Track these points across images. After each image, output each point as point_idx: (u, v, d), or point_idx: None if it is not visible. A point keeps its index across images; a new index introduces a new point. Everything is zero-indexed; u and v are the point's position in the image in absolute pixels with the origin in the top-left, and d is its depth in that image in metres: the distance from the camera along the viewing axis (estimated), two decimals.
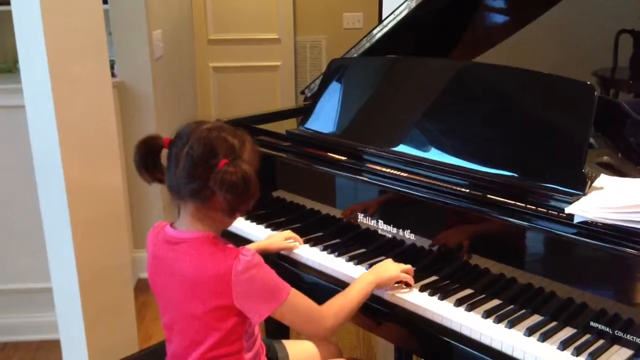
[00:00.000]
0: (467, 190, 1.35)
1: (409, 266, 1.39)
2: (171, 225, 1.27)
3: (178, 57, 3.53)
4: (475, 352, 1.20)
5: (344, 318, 1.30)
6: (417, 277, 1.40)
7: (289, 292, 1.23)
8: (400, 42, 1.95)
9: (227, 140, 1.19)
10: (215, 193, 1.14)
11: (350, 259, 1.50)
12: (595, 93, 1.29)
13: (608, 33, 1.95)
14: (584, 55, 1.98)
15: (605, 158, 1.47)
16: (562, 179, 1.25)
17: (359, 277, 1.37)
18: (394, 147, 1.53)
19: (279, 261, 1.57)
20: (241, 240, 1.68)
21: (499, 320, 1.24)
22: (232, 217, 1.25)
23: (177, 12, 3.52)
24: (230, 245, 1.23)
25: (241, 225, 1.73)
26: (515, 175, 1.33)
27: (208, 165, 1.15)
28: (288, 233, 1.61)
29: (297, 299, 1.25)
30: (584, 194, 1.22)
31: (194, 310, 1.21)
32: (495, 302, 1.30)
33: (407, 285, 1.37)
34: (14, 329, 2.56)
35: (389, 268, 1.37)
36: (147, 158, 1.23)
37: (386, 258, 1.49)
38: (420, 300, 1.32)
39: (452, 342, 1.23)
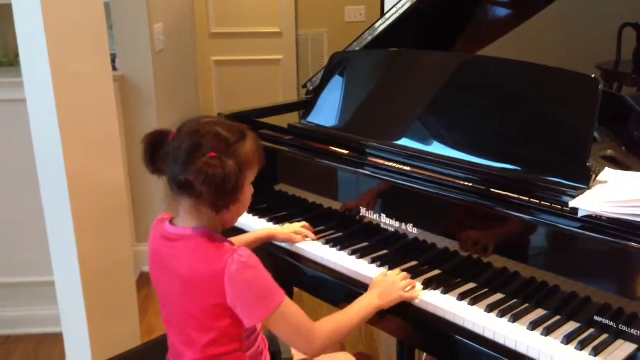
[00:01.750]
0: (471, 184, 1.34)
1: (415, 294, 1.34)
2: (171, 221, 1.25)
3: (179, 51, 3.52)
4: (479, 346, 1.19)
5: (338, 339, 1.27)
6: (420, 271, 1.40)
7: (282, 300, 1.18)
8: (403, 35, 1.94)
9: (219, 134, 1.16)
10: (195, 185, 1.12)
11: (352, 253, 1.50)
12: (600, 86, 1.28)
13: (611, 26, 1.94)
14: (588, 48, 1.97)
15: (610, 152, 1.47)
16: (567, 173, 1.25)
17: (363, 296, 1.32)
18: (397, 140, 1.52)
19: (281, 255, 1.57)
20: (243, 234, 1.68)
21: (502, 314, 1.23)
22: (218, 214, 1.18)
23: (179, 5, 3.50)
24: (227, 244, 1.20)
25: (243, 219, 1.72)
26: (519, 169, 1.33)
27: (194, 159, 1.13)
28: (301, 224, 1.61)
29: (290, 309, 1.20)
30: (589, 188, 1.21)
31: (189, 308, 1.20)
32: (499, 296, 1.30)
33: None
34: (17, 322, 2.57)
35: (395, 292, 1.32)
36: (154, 151, 1.22)
37: (388, 252, 1.49)
38: (423, 294, 1.32)
39: (455, 336, 1.23)
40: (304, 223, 1.62)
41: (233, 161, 1.14)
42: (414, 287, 1.35)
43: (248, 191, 1.23)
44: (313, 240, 1.58)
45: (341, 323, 1.27)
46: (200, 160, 1.12)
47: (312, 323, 1.23)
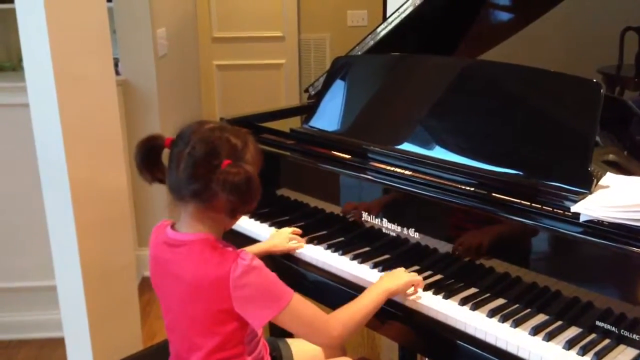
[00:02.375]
0: (472, 189, 1.34)
1: (419, 278, 1.35)
2: (172, 226, 1.25)
3: (182, 55, 3.53)
4: (480, 352, 1.19)
5: (354, 327, 1.25)
6: (422, 276, 1.39)
7: (291, 297, 1.18)
8: (405, 39, 1.94)
9: (230, 140, 1.17)
10: (218, 194, 1.13)
11: (354, 258, 1.50)
12: (602, 90, 1.28)
13: (613, 30, 1.94)
14: (590, 52, 1.97)
15: (611, 156, 1.46)
16: (568, 178, 1.25)
17: (372, 285, 1.32)
18: (398, 145, 1.52)
19: (282, 260, 1.57)
20: (245, 239, 1.68)
21: (503, 319, 1.23)
22: (234, 218, 1.23)
23: (181, 10, 3.52)
24: (230, 249, 1.20)
25: (245, 224, 1.73)
26: (521, 173, 1.32)
27: (210, 165, 1.13)
28: (290, 229, 1.61)
29: (300, 305, 1.20)
30: (590, 193, 1.21)
31: (193, 313, 1.20)
32: (500, 301, 1.29)
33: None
34: (19, 326, 2.57)
35: (402, 276, 1.33)
36: (148, 157, 1.22)
37: (390, 256, 1.49)
38: (424, 299, 1.32)
39: (457, 341, 1.23)
40: (293, 229, 1.62)
41: (250, 166, 1.14)
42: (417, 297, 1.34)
43: None
44: (302, 243, 1.58)
45: (355, 311, 1.26)
46: (218, 168, 1.12)
47: (326, 315, 1.23)
